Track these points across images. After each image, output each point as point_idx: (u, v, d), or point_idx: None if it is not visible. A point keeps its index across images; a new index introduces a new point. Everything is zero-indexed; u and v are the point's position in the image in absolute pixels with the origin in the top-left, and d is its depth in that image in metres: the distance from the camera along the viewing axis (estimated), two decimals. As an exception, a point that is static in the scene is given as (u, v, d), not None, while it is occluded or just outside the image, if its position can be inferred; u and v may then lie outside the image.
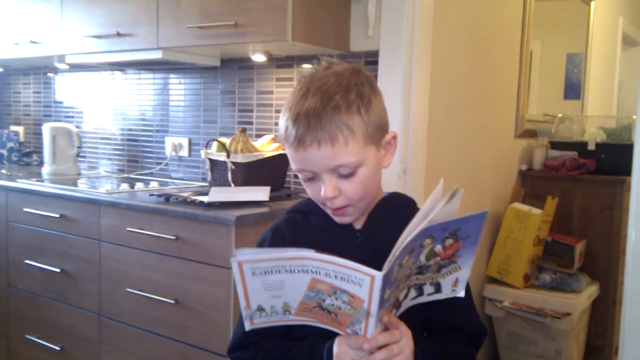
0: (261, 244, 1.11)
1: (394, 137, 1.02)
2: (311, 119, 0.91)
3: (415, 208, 1.12)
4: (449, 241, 0.90)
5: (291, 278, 0.86)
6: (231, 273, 1.45)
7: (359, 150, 0.94)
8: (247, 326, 0.93)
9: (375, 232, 1.04)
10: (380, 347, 0.91)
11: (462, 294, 0.97)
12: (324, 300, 0.88)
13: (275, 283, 0.87)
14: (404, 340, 0.92)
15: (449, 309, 0.97)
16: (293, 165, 0.98)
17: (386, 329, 0.92)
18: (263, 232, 1.12)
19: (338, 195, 0.96)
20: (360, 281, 0.83)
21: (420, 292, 0.96)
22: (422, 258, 0.91)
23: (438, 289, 0.96)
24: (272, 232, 1.10)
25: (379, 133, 0.98)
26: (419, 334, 1.04)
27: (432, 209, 0.86)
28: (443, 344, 1.05)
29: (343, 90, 0.93)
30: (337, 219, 1.02)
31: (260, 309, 0.91)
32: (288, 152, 0.97)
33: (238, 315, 0.96)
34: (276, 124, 2.39)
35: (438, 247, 0.90)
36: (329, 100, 0.92)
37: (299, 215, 1.10)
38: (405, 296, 0.96)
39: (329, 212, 1.01)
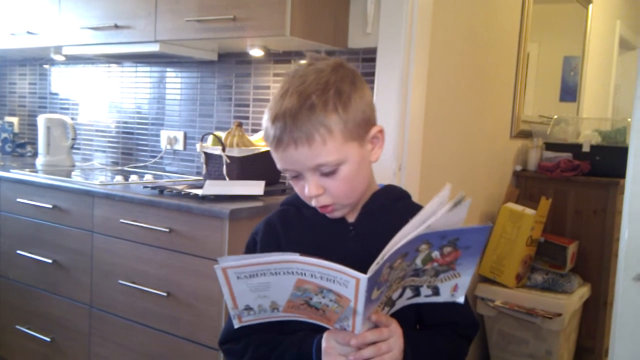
0: (254, 237, 1.10)
1: (380, 131, 1.00)
2: (287, 119, 0.91)
3: (410, 201, 1.12)
4: (447, 249, 0.87)
5: (277, 280, 0.85)
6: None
7: (338, 149, 0.93)
8: (236, 324, 0.92)
9: (368, 226, 1.04)
10: (369, 344, 0.90)
11: (461, 299, 0.95)
12: (311, 299, 0.87)
13: (261, 285, 0.86)
14: (393, 338, 0.92)
15: (441, 303, 0.97)
16: (277, 165, 0.98)
17: (376, 326, 0.91)
18: (256, 225, 1.12)
19: (322, 193, 0.96)
20: (346, 282, 0.82)
21: (417, 293, 0.95)
22: (418, 262, 0.88)
23: (436, 292, 0.94)
24: (265, 225, 1.10)
25: (361, 129, 0.96)
26: (410, 329, 1.03)
27: (433, 214, 0.84)
28: (434, 340, 1.03)
29: (320, 89, 0.92)
30: (326, 214, 1.01)
31: (248, 308, 0.90)
32: (271, 151, 0.98)
33: (229, 308, 0.96)
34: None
35: (435, 254, 0.88)
36: (305, 100, 0.91)
37: (292, 208, 1.09)
38: (400, 295, 0.94)
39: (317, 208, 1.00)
